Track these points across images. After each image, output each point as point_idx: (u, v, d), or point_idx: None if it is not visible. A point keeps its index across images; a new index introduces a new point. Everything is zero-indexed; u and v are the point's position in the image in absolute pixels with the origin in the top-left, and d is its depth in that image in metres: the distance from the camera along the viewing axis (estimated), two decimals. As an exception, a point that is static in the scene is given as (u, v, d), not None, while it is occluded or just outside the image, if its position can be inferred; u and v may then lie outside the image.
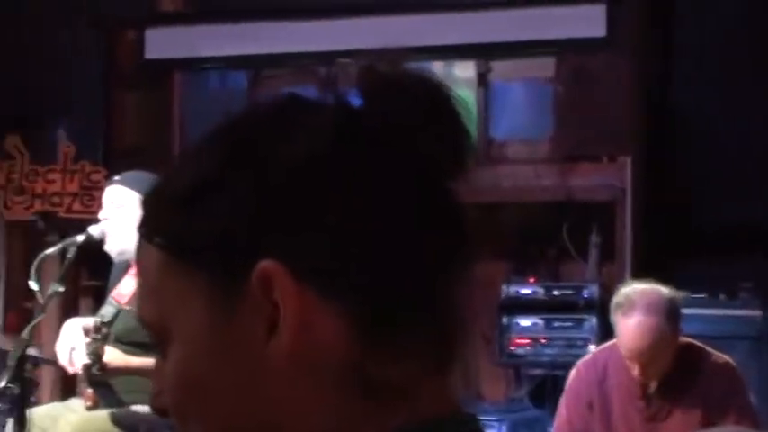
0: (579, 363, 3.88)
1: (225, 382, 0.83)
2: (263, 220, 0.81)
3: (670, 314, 3.55)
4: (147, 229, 0.87)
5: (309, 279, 0.80)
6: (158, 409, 0.88)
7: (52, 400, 5.59)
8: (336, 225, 0.81)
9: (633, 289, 3.63)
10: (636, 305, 3.52)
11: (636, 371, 3.57)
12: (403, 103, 0.85)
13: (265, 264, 0.80)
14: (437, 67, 6.24)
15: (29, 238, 6.80)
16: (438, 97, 0.86)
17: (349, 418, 0.82)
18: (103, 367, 3.81)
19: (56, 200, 6.68)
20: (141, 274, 0.88)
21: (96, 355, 3.80)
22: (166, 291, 0.85)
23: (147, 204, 0.89)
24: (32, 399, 3.90)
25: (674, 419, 3.64)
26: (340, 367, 0.81)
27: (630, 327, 3.51)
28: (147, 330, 0.88)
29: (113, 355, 3.82)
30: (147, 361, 3.72)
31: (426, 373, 0.84)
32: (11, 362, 3.71)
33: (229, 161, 0.85)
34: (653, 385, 3.63)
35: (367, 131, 0.85)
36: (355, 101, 0.87)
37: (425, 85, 0.86)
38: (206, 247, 0.82)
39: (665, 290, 3.60)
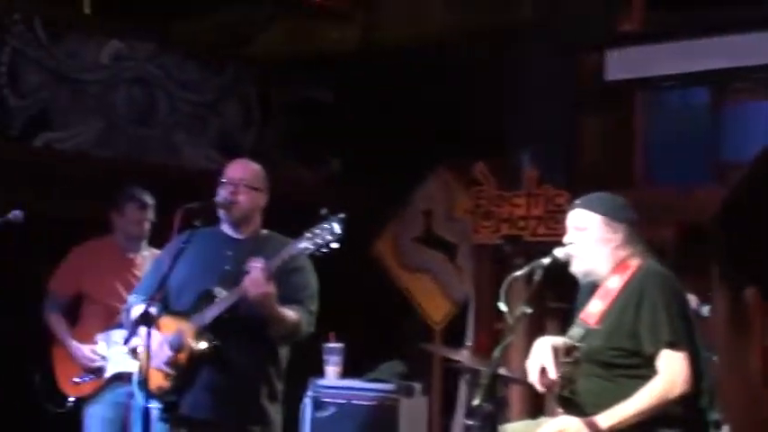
0: None
1: (734, 382, 0.87)
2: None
3: None
4: None
5: None
6: None
7: (521, 418, 5.71)
8: None
9: None
10: None
11: None
12: None
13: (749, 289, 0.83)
14: None
15: (496, 262, 7.02)
16: None
17: None
18: (574, 391, 3.83)
19: (521, 224, 6.84)
20: None
21: (568, 379, 3.82)
22: None
23: None
24: (503, 417, 3.99)
25: None
26: None
27: None
28: None
29: (610, 417, 3.78)
30: (639, 407, 3.70)
31: None
32: (483, 381, 3.83)
33: (747, 191, 0.89)
34: None
35: None
36: None
37: None
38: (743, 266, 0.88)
39: None
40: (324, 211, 4.08)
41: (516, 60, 6.78)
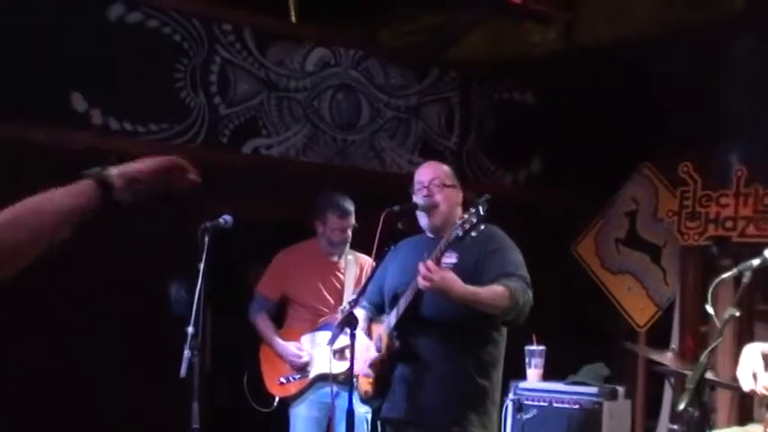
0: None
1: None
2: None
3: None
4: None
5: None
6: None
7: (729, 424, 5.57)
8: None
9: None
10: None
11: None
12: None
13: None
14: None
15: (703, 263, 6.86)
16: None
17: None
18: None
19: (729, 224, 6.66)
20: None
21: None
22: None
23: None
24: (710, 422, 3.90)
25: None
26: None
27: None
28: None
29: None
30: None
31: None
32: (689, 385, 3.75)
33: None
34: None
35: None
36: None
37: None
38: None
39: None
40: (468, 194, 4.12)
41: (724, 55, 6.60)
